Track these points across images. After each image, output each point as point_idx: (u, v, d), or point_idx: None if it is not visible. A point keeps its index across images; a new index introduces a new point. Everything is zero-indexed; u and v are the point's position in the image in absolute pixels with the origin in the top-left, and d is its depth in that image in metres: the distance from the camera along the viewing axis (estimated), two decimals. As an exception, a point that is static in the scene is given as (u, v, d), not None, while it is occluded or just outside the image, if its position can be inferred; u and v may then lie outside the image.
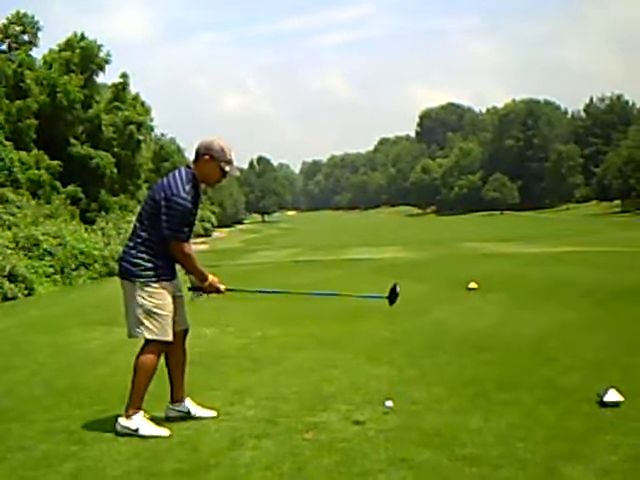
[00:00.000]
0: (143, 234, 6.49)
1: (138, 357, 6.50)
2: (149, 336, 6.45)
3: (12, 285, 22.38)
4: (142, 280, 6.43)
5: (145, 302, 6.43)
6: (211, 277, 6.68)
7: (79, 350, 10.97)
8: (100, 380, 8.58)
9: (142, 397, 6.43)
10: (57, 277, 27.09)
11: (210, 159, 6.52)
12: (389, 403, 6.70)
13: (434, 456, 5.40)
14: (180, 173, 6.49)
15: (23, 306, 19.76)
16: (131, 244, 6.54)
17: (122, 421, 6.32)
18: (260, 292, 7.43)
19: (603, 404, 6.54)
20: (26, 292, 23.16)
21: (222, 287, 6.78)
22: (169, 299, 6.52)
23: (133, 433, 6.22)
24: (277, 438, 5.98)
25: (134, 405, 6.36)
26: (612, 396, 6.56)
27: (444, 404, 6.89)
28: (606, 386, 6.72)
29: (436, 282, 19.21)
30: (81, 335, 12.26)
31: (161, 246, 6.46)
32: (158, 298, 6.45)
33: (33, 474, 5.34)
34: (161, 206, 6.33)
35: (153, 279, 6.44)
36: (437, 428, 6.10)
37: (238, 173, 6.95)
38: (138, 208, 7.04)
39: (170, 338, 6.53)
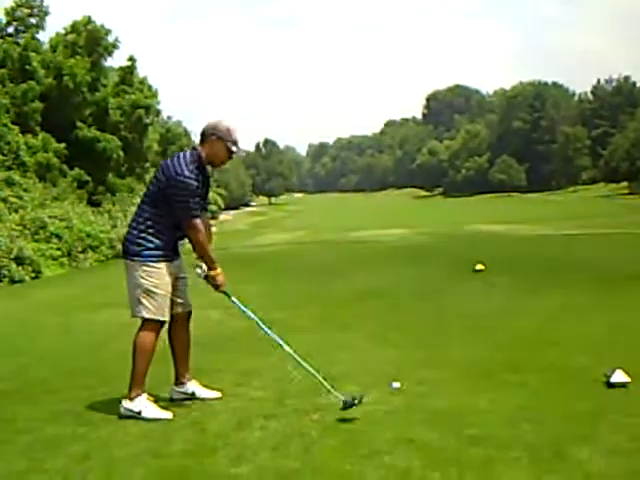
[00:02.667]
0: (145, 214, 6.52)
1: (136, 338, 6.53)
2: (146, 315, 6.50)
3: (19, 268, 22.47)
4: (142, 259, 6.45)
5: (144, 281, 6.45)
6: (219, 270, 6.69)
7: (86, 332, 11.01)
8: (107, 362, 8.60)
9: (143, 379, 6.44)
10: (64, 260, 27.17)
11: (217, 139, 6.54)
12: (396, 384, 6.71)
13: (441, 437, 5.40)
14: (185, 154, 6.52)
15: (30, 289, 19.82)
16: (134, 224, 6.57)
17: (125, 404, 6.34)
18: (245, 313, 7.37)
19: (610, 385, 6.55)
20: (33, 275, 23.24)
21: (223, 286, 6.75)
22: (167, 279, 6.54)
23: (136, 416, 6.24)
24: (284, 419, 6.00)
25: (136, 387, 6.37)
26: (619, 377, 6.57)
27: (451, 386, 6.90)
28: (613, 367, 6.72)
29: (443, 264, 19.18)
30: (87, 317, 12.30)
31: (163, 226, 6.49)
32: (156, 277, 6.46)
33: (42, 455, 5.37)
34: (167, 186, 6.35)
35: (153, 259, 6.46)
36: (444, 409, 6.11)
37: (244, 154, 6.97)
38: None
39: (166, 318, 6.57)
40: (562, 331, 9.45)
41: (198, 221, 6.47)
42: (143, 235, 6.48)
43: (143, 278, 6.46)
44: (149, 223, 6.48)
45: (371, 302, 12.69)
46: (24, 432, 5.94)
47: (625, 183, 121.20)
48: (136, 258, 6.48)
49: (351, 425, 5.76)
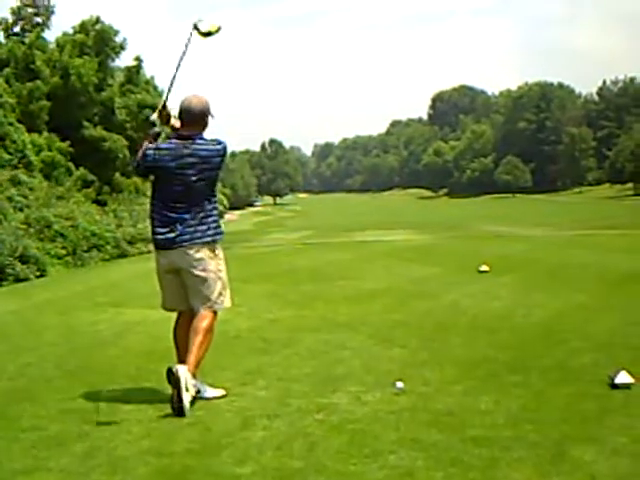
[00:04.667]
0: None
1: None
2: None
3: (24, 266, 22.52)
4: None
5: None
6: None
7: (90, 331, 11.01)
8: (111, 361, 8.62)
9: (180, 358, 6.75)
10: (69, 259, 27.26)
11: (208, 117, 6.94)
12: (400, 385, 6.70)
13: (445, 437, 5.40)
14: (202, 140, 6.86)
15: (35, 288, 19.85)
16: None
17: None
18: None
19: (614, 386, 6.53)
20: (38, 274, 23.30)
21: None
22: (157, 265, 6.93)
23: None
24: (288, 418, 5.99)
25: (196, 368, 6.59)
26: (623, 378, 6.55)
27: (455, 386, 6.89)
28: (617, 368, 6.71)
29: (448, 264, 19.19)
30: (92, 316, 12.30)
31: (152, 208, 6.89)
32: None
33: (46, 454, 5.37)
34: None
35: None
36: (448, 409, 6.10)
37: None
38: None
39: (164, 305, 7.04)
40: (566, 331, 9.43)
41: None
42: None
43: None
44: None
45: (375, 302, 12.68)
46: (29, 430, 5.94)
47: (631, 184, 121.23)
48: None
49: (355, 425, 5.75)
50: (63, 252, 27.17)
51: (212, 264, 6.74)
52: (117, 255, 29.79)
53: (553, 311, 11.21)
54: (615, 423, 5.61)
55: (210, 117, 6.89)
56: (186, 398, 6.16)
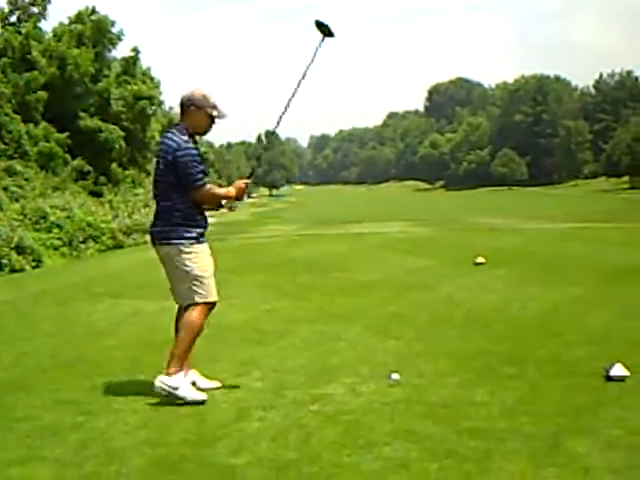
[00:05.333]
0: None
1: None
2: None
3: (20, 257, 22.50)
4: None
5: None
6: (231, 188, 6.85)
7: (86, 322, 11.00)
8: (106, 352, 8.61)
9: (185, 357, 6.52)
10: (65, 249, 27.22)
11: (196, 109, 6.64)
12: (395, 376, 6.71)
13: (439, 429, 5.41)
14: (173, 131, 6.66)
15: (30, 278, 19.82)
16: None
17: (164, 378, 6.34)
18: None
19: (609, 378, 6.55)
20: (34, 264, 23.27)
21: (243, 190, 6.87)
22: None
23: (172, 392, 6.28)
24: (283, 410, 6.01)
25: (177, 364, 6.39)
26: (618, 370, 6.57)
27: (450, 378, 6.90)
28: (612, 361, 6.72)
29: (443, 257, 19.16)
30: (88, 307, 12.29)
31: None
32: None
33: (40, 444, 5.37)
34: (175, 167, 6.50)
35: None
36: (443, 401, 6.11)
37: (226, 114, 6.88)
38: (147, 181, 7.24)
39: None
40: (561, 324, 9.45)
41: (205, 188, 6.60)
42: None
43: None
44: None
45: (371, 293, 12.68)
46: (23, 420, 5.95)
47: (626, 177, 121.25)
48: None
49: (350, 416, 5.76)
50: (59, 243, 27.14)
51: (179, 260, 6.56)
52: (113, 246, 29.75)
53: (548, 304, 11.21)
54: (610, 415, 5.63)
55: (217, 114, 6.71)
56: (185, 392, 6.21)
